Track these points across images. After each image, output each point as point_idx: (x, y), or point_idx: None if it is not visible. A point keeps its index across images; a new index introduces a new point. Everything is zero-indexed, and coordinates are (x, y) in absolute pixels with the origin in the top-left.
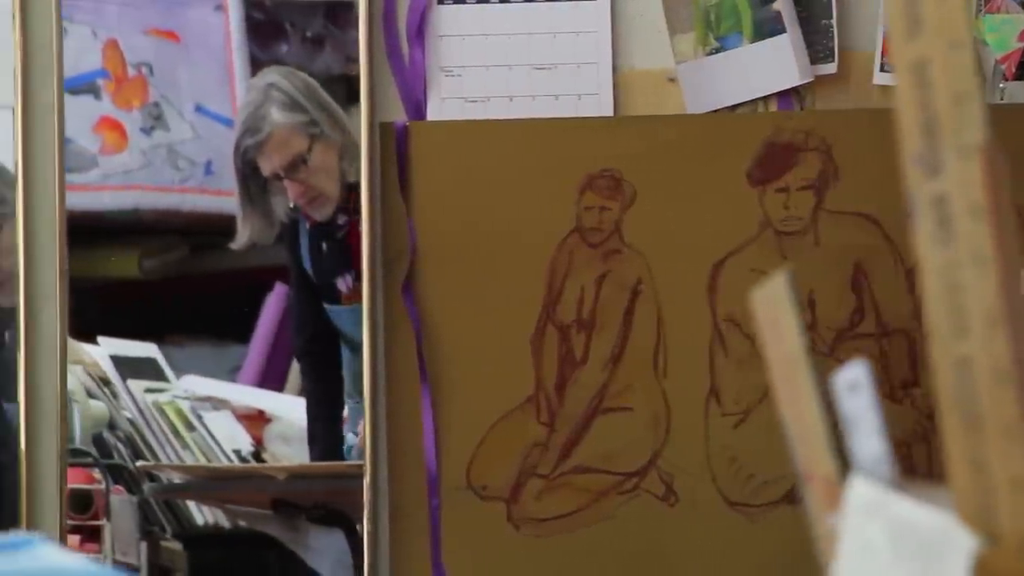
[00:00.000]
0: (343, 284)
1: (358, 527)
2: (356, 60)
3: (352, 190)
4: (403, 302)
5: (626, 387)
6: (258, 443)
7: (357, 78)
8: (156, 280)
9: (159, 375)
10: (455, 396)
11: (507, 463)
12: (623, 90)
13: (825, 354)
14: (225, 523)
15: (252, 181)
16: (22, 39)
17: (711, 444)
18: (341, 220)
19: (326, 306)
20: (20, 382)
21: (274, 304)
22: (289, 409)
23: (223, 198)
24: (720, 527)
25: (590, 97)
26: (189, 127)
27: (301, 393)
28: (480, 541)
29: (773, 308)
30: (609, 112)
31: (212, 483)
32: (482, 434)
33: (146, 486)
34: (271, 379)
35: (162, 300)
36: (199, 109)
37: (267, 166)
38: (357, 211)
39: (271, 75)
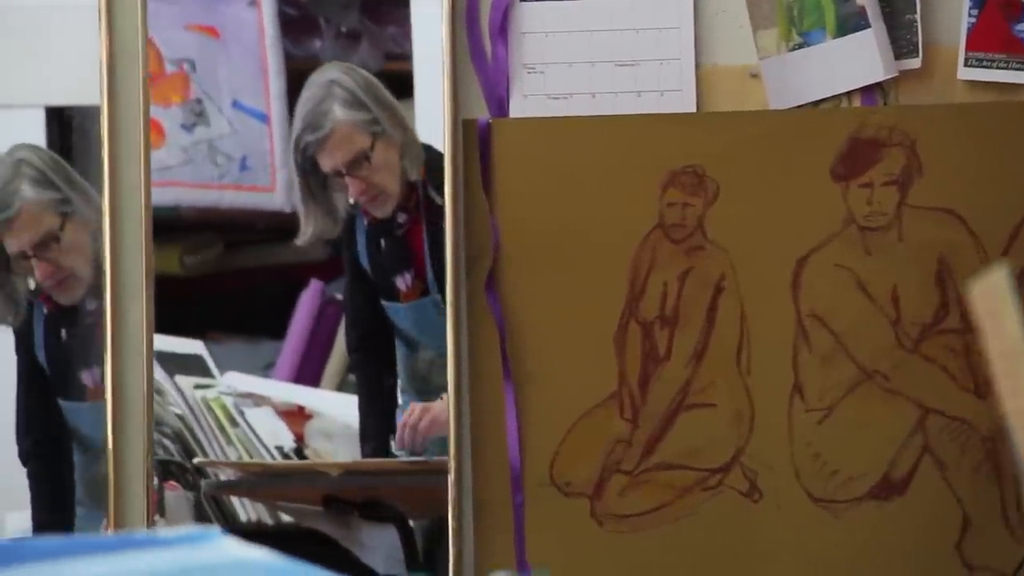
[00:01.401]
0: (402, 282)
1: (410, 523)
2: (395, 56)
3: (412, 188)
4: (486, 299)
5: (709, 383)
6: (299, 439)
7: (395, 74)
8: (196, 277)
9: (205, 372)
10: (538, 393)
11: (590, 459)
12: (706, 86)
13: (910, 350)
14: (268, 519)
15: (312, 177)
16: (108, 39)
17: (795, 440)
18: (401, 218)
19: (384, 302)
20: (107, 381)
21: (309, 300)
22: (330, 405)
23: (257, 194)
24: (804, 523)
25: (673, 93)
26: (227, 123)
27: (354, 389)
28: (564, 537)
29: (992, 301)
30: (692, 108)
31: (266, 480)
32: (565, 431)
33: (203, 483)
34: (306, 376)
35: (202, 297)
36: (236, 104)
37: (328, 163)
38: (418, 208)
39: (332, 71)
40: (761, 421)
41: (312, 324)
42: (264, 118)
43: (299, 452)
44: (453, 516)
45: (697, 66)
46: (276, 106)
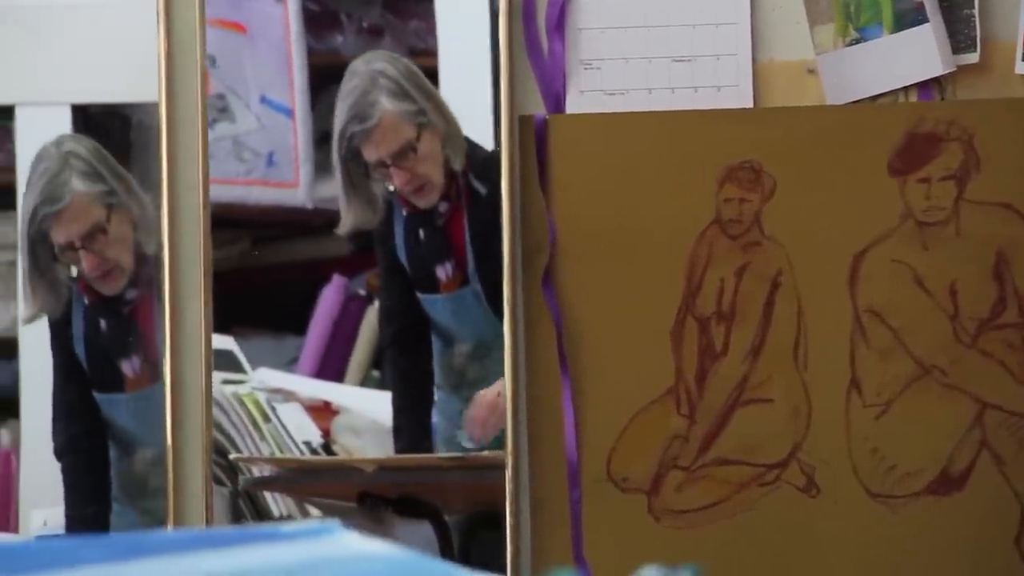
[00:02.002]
0: (443, 272)
1: (446, 518)
2: (418, 51)
3: (453, 177)
4: (543, 295)
5: (766, 379)
6: (326, 435)
7: (420, 69)
8: (222, 272)
9: (236, 367)
10: (595, 388)
11: (647, 455)
12: (762, 81)
13: (968, 345)
14: (298, 515)
15: (354, 167)
16: (166, 35)
17: (852, 436)
18: (443, 207)
19: (421, 295)
20: (166, 380)
21: (331, 296)
22: (355, 401)
23: (284, 190)
24: (862, 519)
25: (729, 89)
26: (255, 118)
27: (378, 384)
28: (620, 533)
29: None
30: (748, 104)
31: (302, 476)
32: (622, 426)
33: (241, 479)
34: (329, 371)
35: (227, 293)
36: (264, 100)
37: (373, 153)
38: (459, 198)
39: (377, 61)
40: (818, 416)
41: (335, 320)
42: (289, 113)
43: (327, 448)
44: (510, 512)
45: (754, 61)
46: (300, 101)
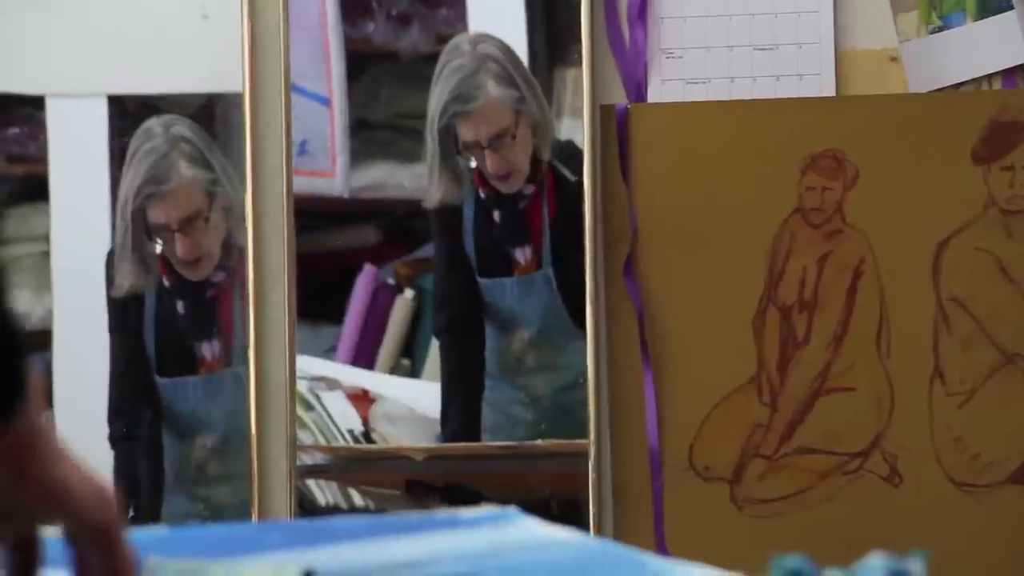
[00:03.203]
0: (521, 255)
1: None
2: (446, 39)
3: (538, 163)
4: (624, 284)
5: (849, 367)
6: (365, 423)
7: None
8: None
9: None
10: (677, 377)
11: (729, 444)
12: (845, 69)
13: None
14: (342, 503)
15: (444, 143)
16: (250, 29)
17: (935, 424)
18: (527, 190)
19: (484, 280)
20: (251, 370)
21: (363, 285)
22: (391, 389)
23: (315, 179)
24: (945, 507)
25: (812, 77)
26: None
27: (409, 373)
28: (703, 521)
29: None
30: (831, 92)
31: (353, 463)
32: (704, 415)
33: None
34: (362, 360)
35: None
36: (295, 88)
37: (470, 134)
38: (541, 183)
39: (486, 45)
40: (901, 405)
41: (366, 309)
42: (326, 102)
43: (367, 436)
44: (593, 501)
45: (836, 49)
46: (337, 90)
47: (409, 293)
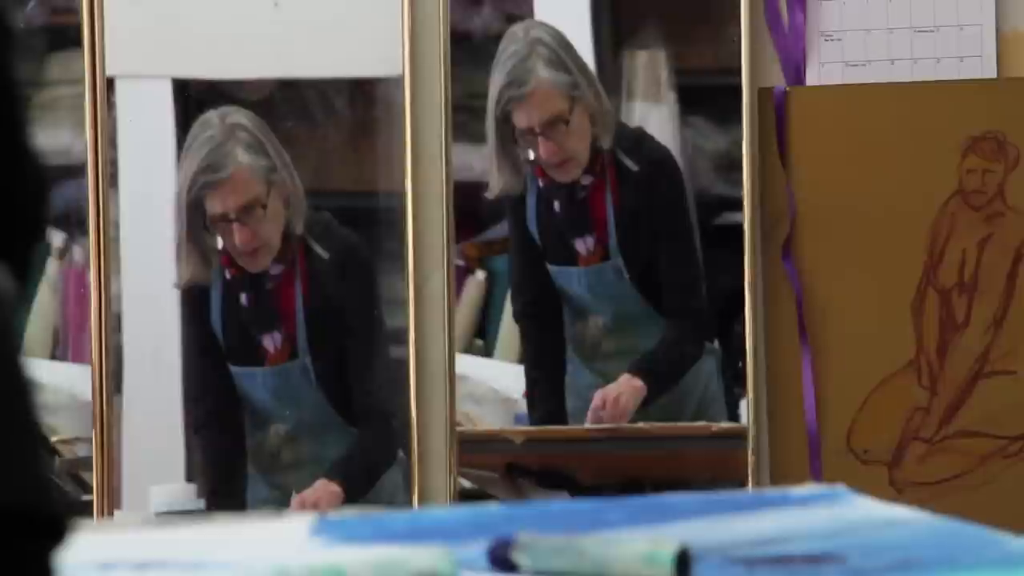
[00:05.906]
0: (582, 246)
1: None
2: (515, 19)
3: (598, 152)
4: (782, 267)
5: (1009, 351)
6: None
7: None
8: None
9: None
10: (835, 359)
11: (888, 427)
12: (1007, 51)
13: None
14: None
15: (502, 131)
16: (411, 8)
17: None
18: (586, 181)
19: (552, 267)
20: (410, 357)
21: None
22: (474, 369)
23: None
24: None
25: (972, 59)
26: None
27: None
28: None
29: None
30: (992, 74)
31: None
32: (863, 398)
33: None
34: None
35: None
36: None
37: (524, 119)
38: (603, 173)
39: (537, 29)
40: None
41: None
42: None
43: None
44: (752, 484)
45: (998, 31)
46: None
47: (480, 274)
